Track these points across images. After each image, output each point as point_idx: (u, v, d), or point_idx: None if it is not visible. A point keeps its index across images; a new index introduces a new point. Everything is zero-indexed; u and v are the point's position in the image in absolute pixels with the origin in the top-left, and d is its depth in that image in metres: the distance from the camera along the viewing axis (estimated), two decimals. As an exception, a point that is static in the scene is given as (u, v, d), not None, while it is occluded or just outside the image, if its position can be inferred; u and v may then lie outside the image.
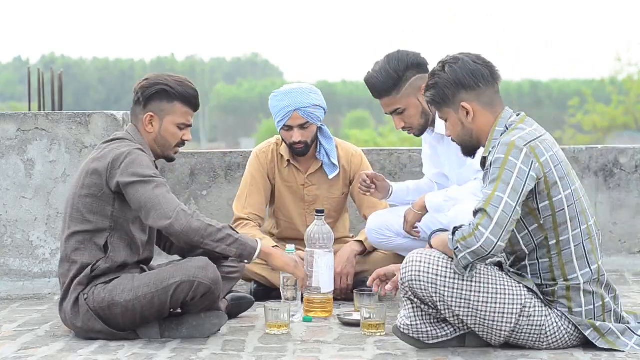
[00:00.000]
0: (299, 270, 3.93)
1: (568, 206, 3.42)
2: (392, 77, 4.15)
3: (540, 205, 3.40)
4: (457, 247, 3.30)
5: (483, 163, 3.54)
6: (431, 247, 3.52)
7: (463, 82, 3.48)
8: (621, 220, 5.63)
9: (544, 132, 3.51)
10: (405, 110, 4.22)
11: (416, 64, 4.19)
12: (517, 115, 3.53)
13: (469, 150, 3.60)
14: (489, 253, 3.27)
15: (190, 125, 3.92)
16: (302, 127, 4.61)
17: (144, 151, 3.80)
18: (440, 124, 4.21)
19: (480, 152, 3.60)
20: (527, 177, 3.33)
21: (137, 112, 3.89)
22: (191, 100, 3.88)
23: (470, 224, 3.30)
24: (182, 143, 3.93)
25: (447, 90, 3.50)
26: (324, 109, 4.69)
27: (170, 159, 3.97)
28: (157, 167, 3.92)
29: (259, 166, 4.78)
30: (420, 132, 4.31)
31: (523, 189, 3.32)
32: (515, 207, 3.29)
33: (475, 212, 3.31)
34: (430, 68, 4.13)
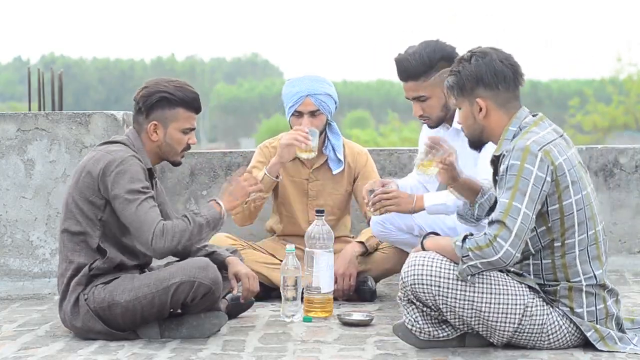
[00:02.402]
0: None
1: (577, 211, 3.41)
2: (424, 63, 4.14)
3: (549, 209, 3.39)
4: (468, 255, 3.31)
5: (493, 161, 3.54)
6: (423, 249, 3.52)
7: (484, 79, 3.47)
8: (621, 220, 5.63)
9: (559, 135, 3.49)
10: (428, 99, 4.20)
11: (450, 57, 4.16)
12: (534, 115, 3.52)
13: (476, 144, 3.60)
14: (507, 264, 3.30)
15: (194, 129, 3.92)
16: (312, 114, 4.61)
17: (140, 159, 3.79)
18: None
19: (488, 148, 3.61)
20: (544, 183, 3.33)
21: (140, 121, 3.88)
22: (193, 104, 3.88)
23: (485, 234, 3.30)
24: (188, 147, 3.92)
25: (466, 82, 3.49)
26: (335, 102, 4.70)
27: (177, 164, 3.96)
28: (155, 172, 3.92)
29: (263, 158, 4.78)
30: (436, 124, 4.28)
31: (539, 197, 3.32)
32: (532, 217, 3.31)
33: (492, 222, 3.31)
34: None
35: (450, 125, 4.31)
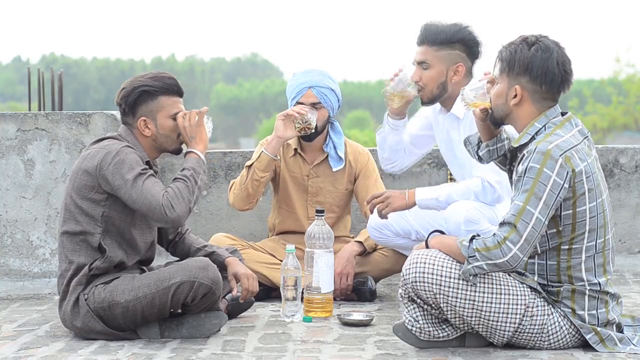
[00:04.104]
0: None
1: (590, 218, 3.39)
2: (445, 34, 4.21)
3: (563, 213, 3.38)
4: (474, 256, 3.31)
5: (510, 150, 3.55)
6: (427, 247, 3.52)
7: (532, 72, 3.43)
8: (621, 220, 5.62)
9: (583, 137, 3.47)
10: (429, 68, 4.24)
11: (470, 45, 4.23)
12: (563, 115, 3.50)
13: (497, 122, 3.57)
14: (514, 268, 3.30)
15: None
16: (313, 106, 4.61)
17: (133, 148, 3.80)
18: (457, 107, 4.19)
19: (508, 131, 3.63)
20: (561, 189, 3.32)
21: (129, 121, 3.89)
22: (173, 89, 3.89)
23: (495, 235, 3.30)
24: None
25: (516, 64, 3.45)
26: (339, 100, 4.70)
27: (177, 152, 3.97)
28: (156, 165, 3.93)
29: None
30: (428, 100, 4.29)
31: (554, 203, 3.31)
32: (544, 222, 3.30)
33: (502, 224, 3.31)
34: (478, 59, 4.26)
35: (449, 110, 4.30)
